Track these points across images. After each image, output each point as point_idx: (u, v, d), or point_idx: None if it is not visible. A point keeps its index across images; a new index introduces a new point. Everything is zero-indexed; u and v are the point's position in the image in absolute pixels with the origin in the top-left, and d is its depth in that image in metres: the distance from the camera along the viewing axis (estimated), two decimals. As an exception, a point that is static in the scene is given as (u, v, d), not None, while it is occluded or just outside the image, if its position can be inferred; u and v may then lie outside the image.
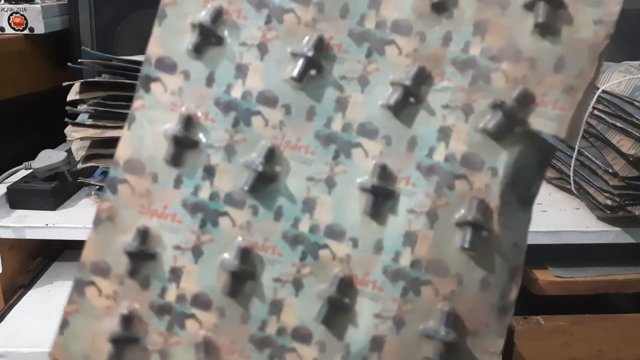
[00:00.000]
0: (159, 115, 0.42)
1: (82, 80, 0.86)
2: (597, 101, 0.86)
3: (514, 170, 0.40)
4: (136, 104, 0.42)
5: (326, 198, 0.41)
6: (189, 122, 0.41)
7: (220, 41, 0.42)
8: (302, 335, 0.41)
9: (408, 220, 0.41)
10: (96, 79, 0.86)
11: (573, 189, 0.91)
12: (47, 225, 0.84)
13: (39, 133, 1.07)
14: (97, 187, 0.88)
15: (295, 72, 0.41)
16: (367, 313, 0.41)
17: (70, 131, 0.86)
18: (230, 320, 0.41)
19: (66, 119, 0.86)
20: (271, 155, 0.41)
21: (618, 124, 0.82)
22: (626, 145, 0.81)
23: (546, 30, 0.39)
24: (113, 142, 0.85)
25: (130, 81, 0.83)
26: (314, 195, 0.41)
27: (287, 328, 0.41)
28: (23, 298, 0.87)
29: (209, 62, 0.42)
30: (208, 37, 0.42)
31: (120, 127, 0.87)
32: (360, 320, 0.41)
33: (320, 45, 0.41)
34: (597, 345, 0.84)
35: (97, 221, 0.42)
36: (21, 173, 0.98)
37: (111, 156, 0.91)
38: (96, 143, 0.87)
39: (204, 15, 0.42)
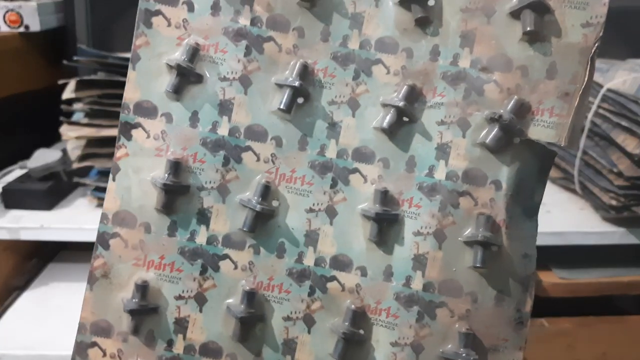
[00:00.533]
0: (144, 162, 0.41)
1: (77, 79, 0.85)
2: (602, 100, 0.85)
3: (516, 181, 0.40)
4: (119, 153, 0.41)
5: (328, 228, 0.41)
6: (177, 167, 0.40)
7: (199, 79, 0.40)
8: None
9: (415, 243, 0.40)
10: (92, 77, 0.85)
11: (577, 189, 0.90)
12: (42, 226, 0.82)
13: (34, 132, 1.06)
14: (93, 187, 0.87)
15: (282, 104, 0.40)
16: (384, 342, 0.40)
17: (66, 130, 0.85)
18: None
19: (61, 118, 0.85)
20: (267, 192, 0.40)
21: (623, 123, 0.81)
22: (631, 145, 0.80)
23: (535, 37, 0.39)
24: (109, 141, 0.84)
25: (126, 79, 0.82)
26: (315, 227, 0.41)
27: None
28: (18, 300, 0.86)
29: (190, 101, 0.40)
30: (187, 76, 0.40)
31: (116, 126, 0.86)
32: (377, 351, 0.40)
33: (305, 72, 0.40)
34: (602, 348, 0.83)
35: (92, 280, 0.41)
36: (16, 173, 0.97)
37: (107, 155, 0.90)
38: (92, 142, 0.86)
39: (179, 54, 0.40)
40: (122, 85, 0.81)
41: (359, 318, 0.40)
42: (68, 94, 0.84)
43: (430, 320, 0.40)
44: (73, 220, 0.84)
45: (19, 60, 1.06)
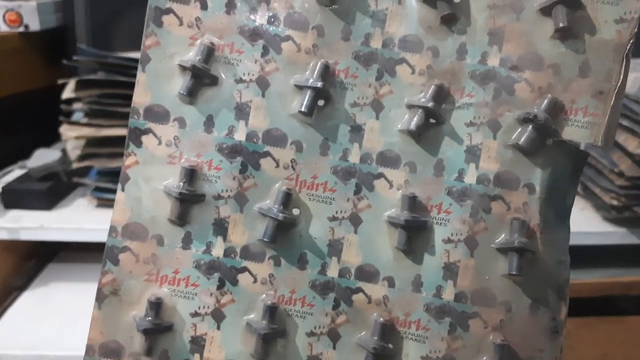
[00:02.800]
0: (156, 171, 0.38)
1: (77, 78, 0.84)
2: (603, 100, 0.85)
3: (550, 183, 0.39)
4: (128, 161, 0.38)
5: (353, 237, 0.38)
6: (191, 175, 0.37)
7: (214, 81, 0.38)
8: None
9: (446, 251, 0.38)
10: (92, 76, 0.84)
11: (578, 189, 0.89)
12: (42, 226, 0.82)
13: (33, 132, 1.06)
14: (93, 187, 0.87)
15: (303, 106, 0.37)
16: (415, 356, 0.38)
17: (66, 130, 0.84)
18: None
19: (61, 118, 0.85)
20: (287, 199, 0.38)
21: (624, 123, 0.81)
22: (632, 145, 0.80)
23: (567, 34, 0.38)
24: (109, 141, 0.84)
25: (126, 79, 0.81)
26: (339, 236, 0.38)
27: None
28: (17, 300, 0.86)
29: (205, 105, 0.38)
30: (201, 78, 0.38)
31: (116, 126, 0.86)
32: None
33: (326, 73, 0.38)
34: (602, 349, 0.83)
35: (101, 297, 0.38)
36: (16, 173, 0.96)
37: (107, 155, 0.90)
38: (92, 142, 0.86)
39: (193, 54, 0.38)
40: (122, 85, 0.82)
41: (388, 331, 0.38)
42: (68, 93, 0.84)
43: (462, 332, 0.38)
44: (73, 220, 0.84)
45: (18, 60, 1.06)
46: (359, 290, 0.38)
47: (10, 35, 1.03)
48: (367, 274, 0.38)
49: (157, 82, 0.38)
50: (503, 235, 0.38)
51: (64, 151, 0.89)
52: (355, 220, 0.39)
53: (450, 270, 0.38)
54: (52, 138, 1.01)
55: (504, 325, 0.38)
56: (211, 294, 0.38)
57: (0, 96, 0.99)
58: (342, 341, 0.38)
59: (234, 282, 0.38)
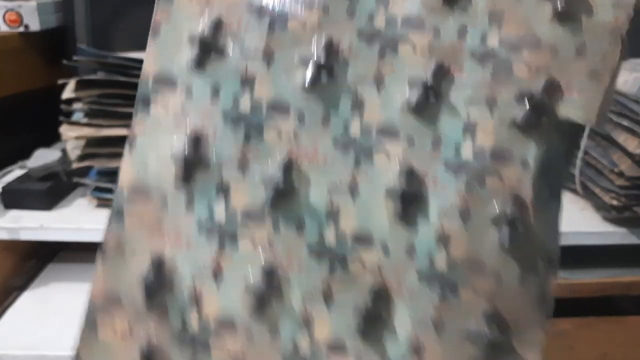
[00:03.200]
0: (163, 136, 0.40)
1: (77, 78, 0.84)
2: (603, 100, 0.85)
3: (544, 161, 0.40)
4: (136, 127, 0.40)
5: (350, 207, 0.40)
6: (196, 142, 0.39)
7: (222, 53, 0.40)
8: (337, 347, 0.39)
9: (441, 222, 0.39)
10: (92, 77, 0.84)
11: (578, 189, 0.89)
12: (42, 226, 0.82)
13: (33, 132, 1.06)
14: (93, 187, 0.87)
15: (307, 79, 0.39)
16: (405, 321, 0.39)
17: (66, 130, 0.84)
18: (259, 342, 0.39)
19: (61, 118, 0.85)
20: (289, 168, 0.39)
21: (624, 123, 0.81)
22: (632, 145, 0.80)
23: (565, 16, 0.39)
24: (109, 141, 0.84)
25: (126, 79, 0.81)
26: (337, 205, 0.40)
27: (320, 344, 0.39)
28: (17, 300, 0.86)
29: (211, 76, 0.40)
30: (209, 50, 0.40)
31: (116, 126, 0.86)
32: (398, 329, 0.40)
33: (330, 48, 0.40)
34: (602, 349, 0.83)
35: (105, 254, 0.40)
36: (16, 173, 0.96)
37: (107, 155, 0.90)
38: (92, 142, 0.85)
39: (202, 27, 0.40)
40: (122, 85, 0.82)
41: (380, 297, 0.39)
42: (68, 93, 0.84)
43: (453, 298, 0.39)
44: (73, 220, 0.84)
45: (18, 60, 1.06)
46: (355, 256, 0.40)
47: (10, 35, 1.03)
48: (363, 241, 0.40)
49: (167, 53, 0.40)
50: (496, 208, 0.39)
51: (64, 151, 0.89)
52: (353, 190, 0.40)
53: (443, 240, 0.39)
54: (52, 138, 1.01)
55: (494, 294, 0.40)
56: (211, 255, 0.39)
57: (0, 96, 0.99)
58: (336, 304, 0.39)
59: (234, 245, 0.39)
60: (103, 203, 0.87)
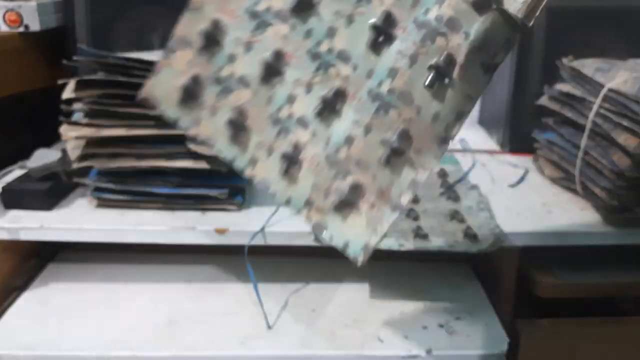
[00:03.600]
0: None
1: (77, 79, 0.84)
2: (603, 99, 0.85)
3: (483, 37, 0.54)
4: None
5: (344, 30, 0.58)
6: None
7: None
8: (303, 122, 0.58)
9: (396, 59, 0.57)
10: (92, 77, 0.84)
11: (578, 189, 0.89)
12: (42, 226, 0.82)
13: (33, 132, 1.06)
14: (93, 187, 0.87)
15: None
16: (349, 119, 0.58)
17: (66, 130, 0.84)
18: (258, 102, 0.59)
19: (61, 118, 0.85)
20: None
21: (624, 123, 0.81)
22: (632, 145, 0.79)
23: None
24: (109, 141, 0.84)
25: (126, 79, 0.81)
26: (336, 26, 0.58)
27: (294, 116, 0.58)
28: (17, 300, 0.86)
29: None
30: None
31: (116, 126, 0.86)
32: (342, 122, 0.58)
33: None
34: (603, 349, 0.82)
35: (192, 6, 0.58)
36: (16, 173, 0.96)
37: (107, 155, 0.90)
38: (92, 142, 0.85)
39: None
40: (122, 85, 0.81)
41: (339, 95, 0.58)
42: (68, 93, 0.84)
43: (384, 114, 0.57)
44: (73, 220, 0.84)
45: (18, 60, 1.06)
46: (334, 65, 0.58)
47: (10, 36, 1.03)
48: (343, 58, 0.58)
49: None
50: (435, 60, 0.55)
51: (64, 151, 0.89)
52: (350, 19, 0.58)
53: (392, 72, 0.57)
54: (52, 138, 1.01)
55: (412, 121, 0.56)
56: (249, 32, 0.59)
57: (0, 96, 0.99)
58: (312, 93, 0.58)
59: (264, 30, 0.59)
60: (103, 203, 0.87)
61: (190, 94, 0.58)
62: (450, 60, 0.54)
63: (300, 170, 0.58)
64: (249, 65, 0.58)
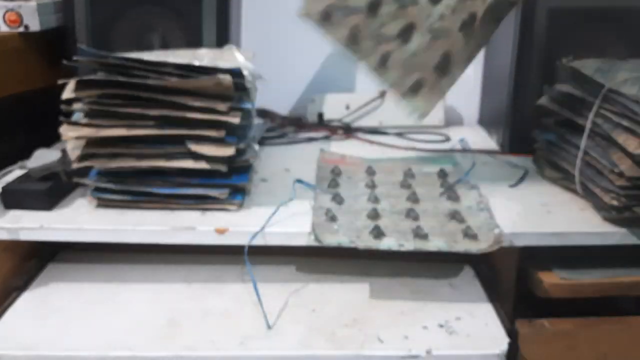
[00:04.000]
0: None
1: (77, 79, 0.84)
2: (603, 100, 0.85)
3: (497, 2, 0.87)
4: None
5: None
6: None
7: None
8: (389, 38, 0.92)
9: (444, 8, 0.90)
10: (92, 77, 0.84)
11: (578, 189, 0.89)
12: (42, 226, 0.82)
13: (33, 132, 1.06)
14: (93, 187, 0.87)
15: None
16: (416, 40, 0.92)
17: (66, 130, 0.84)
18: (367, 22, 0.92)
19: (61, 118, 0.85)
20: None
21: (624, 123, 0.81)
22: (632, 145, 0.79)
23: None
24: (109, 141, 0.84)
25: (126, 79, 0.81)
26: None
27: (385, 33, 0.92)
28: (17, 300, 0.85)
29: None
30: None
31: (116, 126, 0.86)
32: (412, 43, 0.92)
33: None
34: (603, 349, 0.82)
35: None
36: (16, 173, 0.96)
37: (107, 155, 0.90)
38: (92, 142, 0.85)
39: None
40: (122, 85, 0.82)
41: (411, 27, 0.92)
42: (68, 93, 0.84)
43: (435, 40, 0.91)
44: (73, 220, 0.84)
45: (18, 60, 1.06)
46: (406, 7, 0.92)
47: (10, 36, 1.03)
48: (415, 1, 0.92)
49: None
50: (468, 14, 0.88)
51: (64, 151, 0.89)
52: None
53: (442, 17, 0.90)
54: (52, 138, 1.01)
55: (451, 47, 0.92)
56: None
57: (0, 96, 0.99)
58: (396, 22, 0.92)
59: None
60: (103, 203, 0.87)
61: (326, 16, 0.91)
62: (474, 15, 0.87)
63: (389, 65, 0.94)
64: (361, 1, 0.90)
